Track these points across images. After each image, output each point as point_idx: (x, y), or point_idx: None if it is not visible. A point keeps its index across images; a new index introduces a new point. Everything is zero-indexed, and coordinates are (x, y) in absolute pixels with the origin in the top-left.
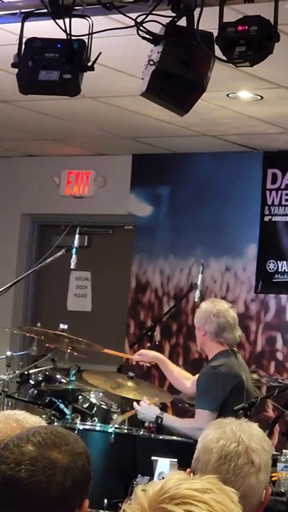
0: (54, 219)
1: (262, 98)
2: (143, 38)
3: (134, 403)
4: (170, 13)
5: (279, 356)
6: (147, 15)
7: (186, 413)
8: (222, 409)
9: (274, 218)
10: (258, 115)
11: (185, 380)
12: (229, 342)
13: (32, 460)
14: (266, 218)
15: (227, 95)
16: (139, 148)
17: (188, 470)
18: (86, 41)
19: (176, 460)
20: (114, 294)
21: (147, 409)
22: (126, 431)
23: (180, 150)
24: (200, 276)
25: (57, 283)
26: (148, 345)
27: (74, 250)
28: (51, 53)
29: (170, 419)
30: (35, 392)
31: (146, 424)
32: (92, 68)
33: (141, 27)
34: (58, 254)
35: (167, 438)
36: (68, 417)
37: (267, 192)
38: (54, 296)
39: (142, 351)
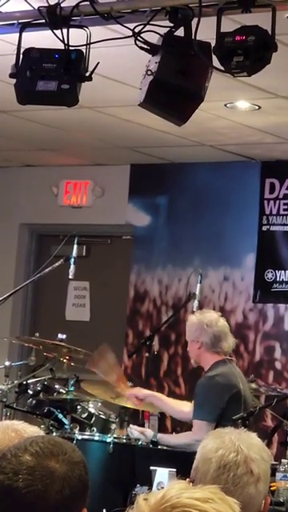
0: (52, 229)
1: (259, 107)
2: (141, 48)
3: (128, 429)
4: (167, 23)
5: (278, 365)
6: (145, 25)
7: (183, 422)
8: (219, 419)
9: (272, 228)
10: (256, 125)
11: (184, 407)
12: (225, 350)
13: (30, 469)
14: (264, 228)
15: (225, 105)
16: (137, 158)
17: (187, 479)
18: (84, 51)
19: (175, 470)
20: (113, 304)
21: (139, 436)
22: (124, 441)
23: (178, 160)
24: (198, 286)
25: (55, 293)
26: (146, 354)
27: (73, 260)
28: (49, 63)
29: (165, 439)
30: (34, 402)
31: None
32: (90, 78)
33: (138, 37)
34: (57, 263)
35: (166, 447)
36: (66, 427)
37: (265, 202)
38: (52, 306)
39: (137, 388)
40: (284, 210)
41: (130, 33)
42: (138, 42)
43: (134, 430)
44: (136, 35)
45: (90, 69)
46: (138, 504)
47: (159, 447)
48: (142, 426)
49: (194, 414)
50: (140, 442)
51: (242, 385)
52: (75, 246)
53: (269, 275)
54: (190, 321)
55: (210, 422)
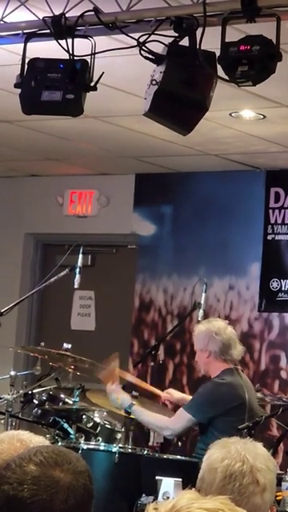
0: (57, 239)
1: (264, 117)
2: (146, 57)
3: (108, 385)
4: (172, 33)
5: (283, 375)
6: (149, 35)
7: (189, 431)
8: (221, 427)
9: (277, 237)
10: (261, 134)
11: None
12: (234, 358)
13: (34, 479)
14: (269, 237)
15: (230, 114)
16: (142, 167)
17: (193, 489)
18: (89, 61)
19: (180, 479)
20: (118, 313)
21: (115, 400)
22: (130, 451)
23: (183, 170)
24: (203, 295)
25: (60, 302)
26: (151, 364)
27: (78, 270)
28: (54, 73)
29: (138, 412)
30: (39, 412)
31: (151, 443)
32: (95, 88)
33: (143, 47)
34: (62, 273)
35: (171, 457)
36: (72, 436)
37: (270, 211)
38: (57, 315)
39: (170, 390)
40: None
41: (135, 43)
42: (142, 52)
43: (113, 393)
44: (141, 45)
45: (95, 79)
46: None
47: (165, 456)
48: (148, 434)
49: (186, 404)
50: (145, 452)
51: (249, 395)
52: (80, 256)
53: (274, 284)
54: (197, 330)
55: (194, 420)
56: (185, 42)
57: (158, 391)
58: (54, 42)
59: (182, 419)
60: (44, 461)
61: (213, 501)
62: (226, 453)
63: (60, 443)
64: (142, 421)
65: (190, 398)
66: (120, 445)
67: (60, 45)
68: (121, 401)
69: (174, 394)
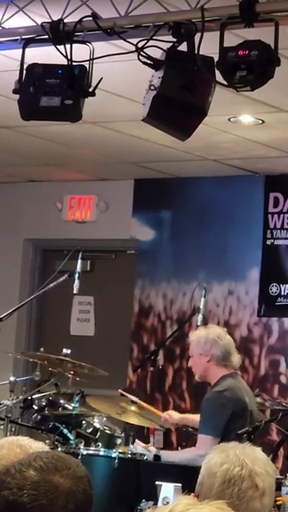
0: (56, 244)
1: (263, 122)
2: (144, 63)
3: (134, 445)
4: (170, 38)
5: (283, 379)
6: (148, 40)
7: (190, 437)
8: (224, 433)
9: (277, 242)
10: (260, 139)
11: None
12: (234, 364)
13: (34, 484)
14: (269, 242)
15: (228, 119)
16: (141, 173)
17: (192, 494)
18: (87, 66)
19: (180, 484)
20: (117, 319)
21: (143, 452)
22: (129, 456)
23: (182, 175)
24: (203, 300)
25: (60, 308)
26: (151, 369)
27: (77, 275)
28: (52, 79)
29: (167, 455)
30: (39, 417)
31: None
32: (93, 93)
33: (141, 52)
34: (61, 278)
35: (171, 462)
36: (72, 442)
37: (269, 216)
38: (56, 321)
39: (170, 412)
40: None
41: (133, 48)
42: (141, 57)
43: (139, 446)
44: (139, 50)
45: (94, 84)
46: None
47: (164, 462)
48: (148, 440)
49: (200, 428)
50: (145, 457)
51: (249, 399)
52: (79, 261)
53: (273, 289)
54: (196, 335)
55: (214, 437)
56: (183, 47)
57: (158, 412)
58: (53, 47)
59: (205, 443)
60: (44, 466)
61: (209, 506)
62: (224, 457)
63: (60, 449)
64: (173, 461)
65: (189, 416)
66: (120, 450)
67: (58, 50)
68: (151, 451)
69: (173, 415)
